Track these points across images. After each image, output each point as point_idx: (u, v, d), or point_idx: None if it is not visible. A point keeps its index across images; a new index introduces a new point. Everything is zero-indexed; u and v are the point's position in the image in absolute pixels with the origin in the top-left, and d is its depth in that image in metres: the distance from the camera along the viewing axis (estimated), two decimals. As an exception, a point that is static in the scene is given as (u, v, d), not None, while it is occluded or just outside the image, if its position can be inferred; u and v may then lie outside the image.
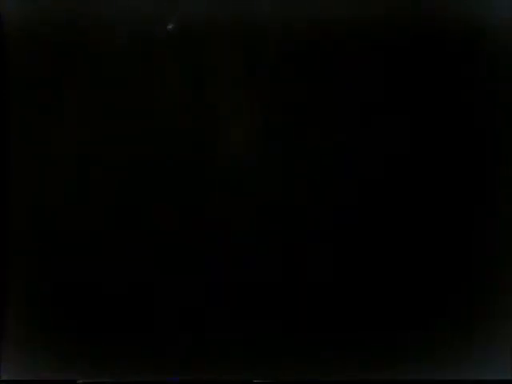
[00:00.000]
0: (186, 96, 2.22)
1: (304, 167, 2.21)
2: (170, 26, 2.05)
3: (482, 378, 2.16)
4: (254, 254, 2.18)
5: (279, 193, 2.20)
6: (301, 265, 2.18)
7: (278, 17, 2.20)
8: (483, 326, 2.18)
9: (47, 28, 2.19)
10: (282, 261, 2.19)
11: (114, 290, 2.18)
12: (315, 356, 2.17)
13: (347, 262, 2.19)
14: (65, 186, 2.20)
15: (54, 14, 2.19)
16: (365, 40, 2.20)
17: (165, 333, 2.16)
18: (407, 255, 2.19)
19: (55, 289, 2.18)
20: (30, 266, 2.19)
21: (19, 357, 2.17)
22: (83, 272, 2.19)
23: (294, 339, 2.17)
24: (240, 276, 2.17)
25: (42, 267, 2.19)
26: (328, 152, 2.21)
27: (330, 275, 2.18)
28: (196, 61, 2.22)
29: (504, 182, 2.20)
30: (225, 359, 2.16)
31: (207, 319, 2.17)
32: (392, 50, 2.22)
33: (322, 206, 2.20)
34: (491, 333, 2.18)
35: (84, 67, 2.21)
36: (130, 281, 2.19)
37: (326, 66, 2.22)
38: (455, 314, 2.18)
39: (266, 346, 2.17)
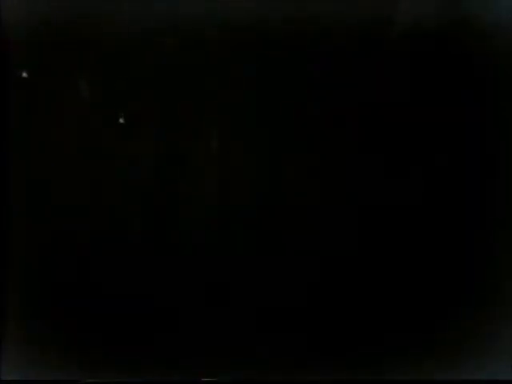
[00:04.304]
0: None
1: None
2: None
3: (482, 378, 2.17)
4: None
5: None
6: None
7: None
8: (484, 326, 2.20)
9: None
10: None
11: (113, 290, 2.19)
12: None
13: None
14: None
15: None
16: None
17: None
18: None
19: (55, 289, 2.19)
20: (30, 266, 2.19)
21: (19, 357, 2.17)
22: (83, 272, 2.19)
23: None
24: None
25: (42, 268, 2.19)
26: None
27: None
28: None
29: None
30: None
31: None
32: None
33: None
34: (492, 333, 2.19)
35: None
36: (131, 282, 2.20)
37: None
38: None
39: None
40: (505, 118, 2.24)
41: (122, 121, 2.24)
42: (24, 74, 2.23)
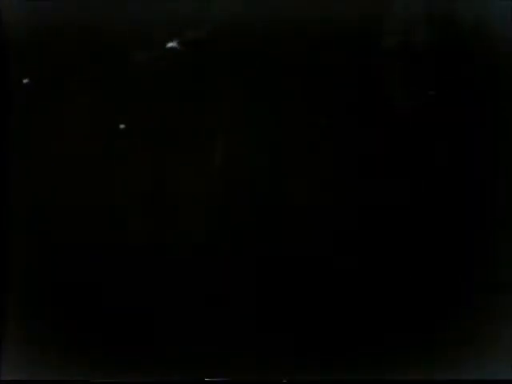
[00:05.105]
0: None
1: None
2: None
3: (482, 378, 2.16)
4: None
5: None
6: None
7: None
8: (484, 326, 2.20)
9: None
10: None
11: (112, 290, 2.19)
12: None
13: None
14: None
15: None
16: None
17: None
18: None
19: (55, 289, 2.19)
20: (30, 266, 2.19)
21: (19, 357, 2.17)
22: (83, 273, 2.19)
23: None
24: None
25: (42, 267, 2.19)
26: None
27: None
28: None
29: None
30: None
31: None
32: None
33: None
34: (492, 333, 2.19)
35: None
36: (131, 283, 2.20)
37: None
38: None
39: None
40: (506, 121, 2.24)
41: (126, 124, 2.24)
42: (24, 76, 2.23)
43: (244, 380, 2.16)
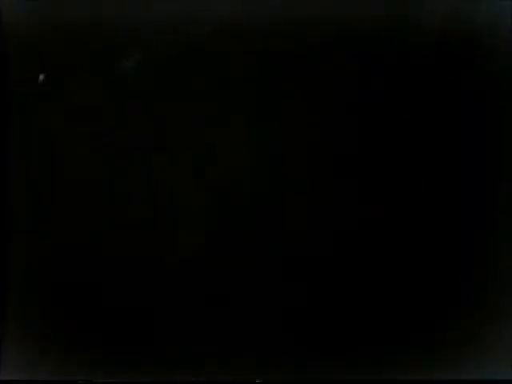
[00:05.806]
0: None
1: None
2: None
3: (482, 378, 2.17)
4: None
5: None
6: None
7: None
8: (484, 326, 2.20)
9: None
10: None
11: (113, 290, 2.19)
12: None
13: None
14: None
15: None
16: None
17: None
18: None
19: (55, 289, 2.19)
20: (30, 265, 2.19)
21: (19, 357, 2.17)
22: (83, 272, 2.20)
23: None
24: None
25: (43, 267, 2.20)
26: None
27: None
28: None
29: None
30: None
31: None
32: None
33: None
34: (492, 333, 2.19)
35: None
36: (131, 283, 2.20)
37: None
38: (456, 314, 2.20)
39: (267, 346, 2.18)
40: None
41: (126, 124, 2.24)
42: (25, 76, 2.24)
43: (244, 380, 2.16)
